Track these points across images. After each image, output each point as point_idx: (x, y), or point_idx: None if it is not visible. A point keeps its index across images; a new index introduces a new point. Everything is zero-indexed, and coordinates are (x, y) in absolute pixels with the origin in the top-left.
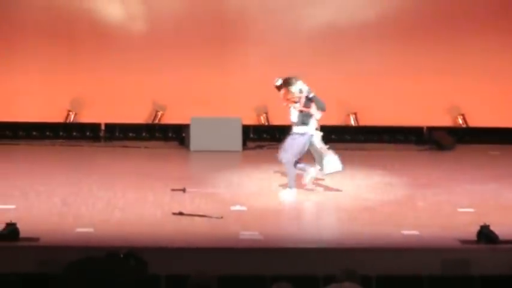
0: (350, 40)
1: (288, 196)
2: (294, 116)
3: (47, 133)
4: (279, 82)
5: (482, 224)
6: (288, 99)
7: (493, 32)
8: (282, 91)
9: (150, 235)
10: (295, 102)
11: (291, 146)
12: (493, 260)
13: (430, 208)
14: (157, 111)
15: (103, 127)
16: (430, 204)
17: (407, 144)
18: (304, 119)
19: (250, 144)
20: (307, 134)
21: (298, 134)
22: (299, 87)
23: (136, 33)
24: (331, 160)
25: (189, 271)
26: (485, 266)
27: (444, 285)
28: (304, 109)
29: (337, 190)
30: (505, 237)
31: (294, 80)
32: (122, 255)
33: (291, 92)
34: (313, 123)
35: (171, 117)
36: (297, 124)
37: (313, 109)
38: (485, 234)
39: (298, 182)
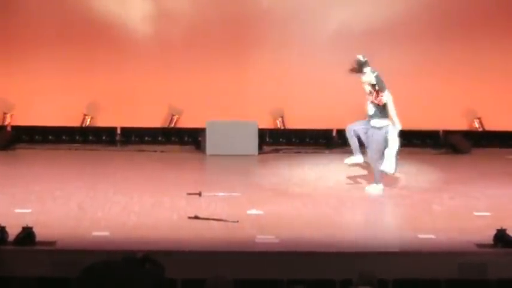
0: (365, 44)
1: (374, 191)
2: (369, 109)
3: (63, 137)
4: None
5: (498, 227)
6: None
7: (511, 34)
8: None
9: (166, 239)
10: (370, 93)
11: (370, 143)
12: (509, 264)
13: (446, 212)
14: (173, 115)
15: (119, 131)
16: (446, 208)
17: (423, 147)
18: (379, 111)
19: (266, 148)
20: (384, 128)
21: (375, 128)
22: (368, 78)
23: (153, 37)
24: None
25: (205, 275)
26: (502, 270)
27: None
28: (375, 101)
29: (353, 194)
30: None
31: (363, 68)
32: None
33: (363, 81)
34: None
35: (187, 121)
36: (373, 117)
37: (385, 96)
38: (502, 238)
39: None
